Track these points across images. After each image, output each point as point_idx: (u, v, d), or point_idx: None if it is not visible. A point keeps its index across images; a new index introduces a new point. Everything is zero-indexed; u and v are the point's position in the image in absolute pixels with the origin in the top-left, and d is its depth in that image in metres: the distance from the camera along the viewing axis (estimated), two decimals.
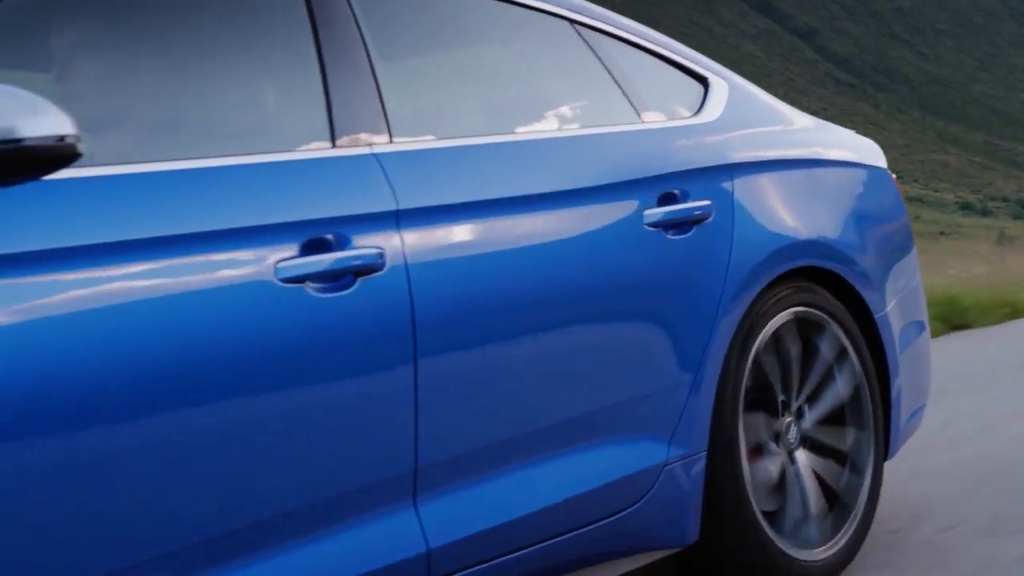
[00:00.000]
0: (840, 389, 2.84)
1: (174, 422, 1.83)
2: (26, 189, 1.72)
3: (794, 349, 2.76)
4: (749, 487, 2.62)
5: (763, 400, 2.70)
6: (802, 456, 2.77)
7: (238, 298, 1.92)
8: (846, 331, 2.83)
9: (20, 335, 1.69)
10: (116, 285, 1.79)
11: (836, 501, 2.81)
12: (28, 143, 1.62)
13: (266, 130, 2.16)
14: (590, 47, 2.69)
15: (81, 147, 1.67)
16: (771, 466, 2.70)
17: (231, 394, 1.89)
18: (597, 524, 2.41)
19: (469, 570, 2.21)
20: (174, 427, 1.83)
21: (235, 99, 2.16)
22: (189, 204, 1.92)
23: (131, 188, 1.87)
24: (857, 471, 2.85)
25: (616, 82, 2.69)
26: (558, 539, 2.35)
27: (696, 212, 2.58)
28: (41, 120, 1.63)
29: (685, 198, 2.58)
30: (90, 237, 1.78)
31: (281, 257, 1.97)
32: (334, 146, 2.15)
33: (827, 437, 2.82)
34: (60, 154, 1.65)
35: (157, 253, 1.84)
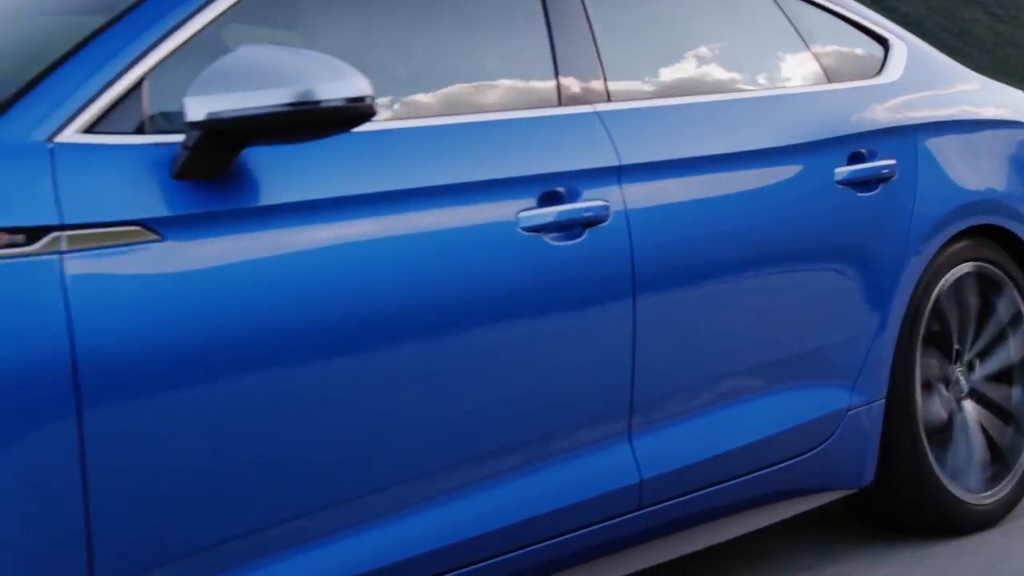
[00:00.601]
0: (1012, 348, 2.95)
1: (427, 356, 2.00)
2: (307, 145, 1.90)
3: (969, 303, 2.88)
4: (923, 433, 2.76)
5: (939, 349, 2.83)
6: (969, 406, 2.90)
7: (488, 245, 2.08)
8: (1019, 289, 2.94)
9: (308, 270, 1.87)
10: (386, 229, 1.97)
11: (998, 455, 2.93)
12: (325, 105, 1.76)
13: (503, 89, 2.31)
14: (779, 7, 2.81)
15: (376, 107, 1.82)
16: (940, 410, 2.84)
17: (481, 331, 2.06)
18: (785, 463, 2.57)
19: (674, 501, 2.38)
20: (428, 360, 2.00)
21: (473, 59, 2.31)
22: (442, 158, 2.08)
23: (391, 143, 2.04)
24: (1021, 430, 2.96)
25: (805, 43, 2.81)
26: (750, 476, 2.51)
27: (883, 171, 2.71)
28: (339, 83, 1.77)
29: (872, 157, 2.71)
30: (362, 187, 1.95)
31: (522, 208, 2.13)
32: (560, 104, 2.30)
33: (995, 393, 2.94)
34: (355, 114, 1.80)
35: (418, 203, 2.01)
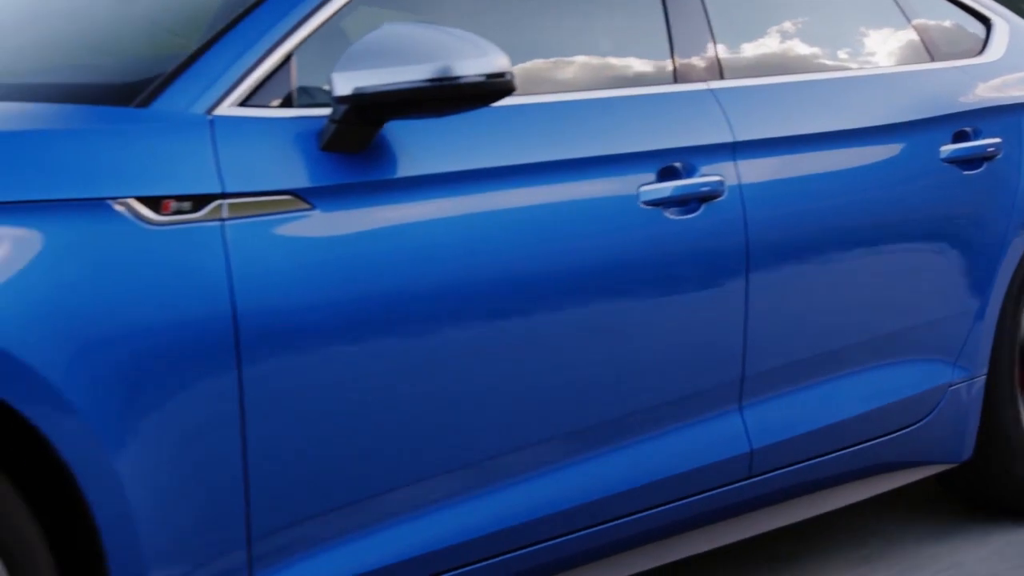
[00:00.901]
0: None
1: (552, 323, 2.06)
2: (442, 120, 1.96)
3: None
4: (1023, 411, 2.79)
5: None
6: None
7: (611, 217, 2.14)
8: None
9: (442, 240, 1.94)
10: (516, 201, 2.03)
11: None
12: (464, 81, 1.82)
13: (621, 66, 2.36)
14: None
15: (515, 83, 1.88)
16: None
17: (603, 301, 2.12)
18: (888, 436, 2.61)
19: (781, 471, 2.44)
20: (553, 328, 2.06)
21: (594, 39, 2.37)
22: (567, 133, 2.13)
23: (519, 119, 2.09)
24: None
25: (908, 21, 2.84)
26: (853, 448, 2.56)
27: (988, 149, 2.74)
28: (479, 60, 1.83)
29: (977, 135, 2.74)
30: (493, 160, 2.02)
31: (642, 182, 2.19)
32: (675, 82, 2.35)
33: None
34: (495, 90, 1.86)
35: (546, 176, 2.07)
